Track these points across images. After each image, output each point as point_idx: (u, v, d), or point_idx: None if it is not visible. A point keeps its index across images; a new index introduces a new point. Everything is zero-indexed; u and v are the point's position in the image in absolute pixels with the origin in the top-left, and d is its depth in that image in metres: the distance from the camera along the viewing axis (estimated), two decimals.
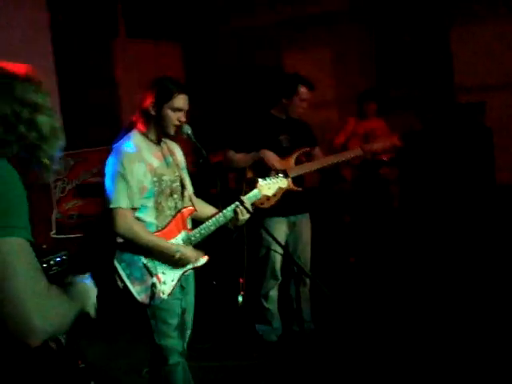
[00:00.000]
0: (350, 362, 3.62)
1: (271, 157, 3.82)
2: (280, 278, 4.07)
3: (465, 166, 6.09)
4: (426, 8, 6.52)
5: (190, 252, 2.81)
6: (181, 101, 2.76)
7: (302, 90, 3.92)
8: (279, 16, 7.46)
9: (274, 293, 4.10)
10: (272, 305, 4.11)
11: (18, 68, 1.51)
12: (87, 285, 1.66)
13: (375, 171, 5.85)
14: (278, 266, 4.02)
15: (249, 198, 3.02)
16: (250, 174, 3.86)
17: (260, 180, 3.13)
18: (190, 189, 3.01)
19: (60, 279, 1.62)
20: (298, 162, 3.93)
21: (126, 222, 2.70)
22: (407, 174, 6.38)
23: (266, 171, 3.66)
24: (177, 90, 2.75)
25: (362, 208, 5.89)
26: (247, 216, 2.89)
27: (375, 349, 3.69)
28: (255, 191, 3.10)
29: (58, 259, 3.78)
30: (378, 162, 5.79)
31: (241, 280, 3.65)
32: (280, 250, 3.86)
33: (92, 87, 5.95)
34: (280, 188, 3.21)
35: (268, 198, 3.37)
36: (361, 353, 3.68)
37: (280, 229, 3.95)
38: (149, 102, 2.76)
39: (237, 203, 2.88)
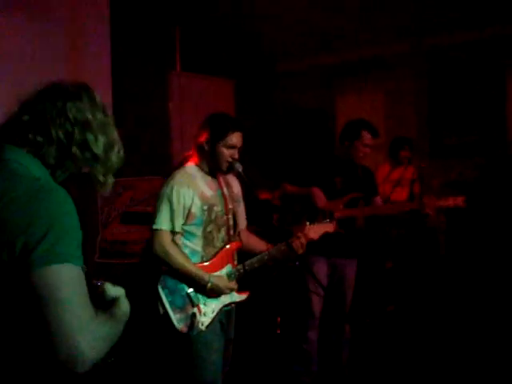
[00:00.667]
0: None
1: (319, 196, 3.79)
2: (319, 319, 3.97)
3: None
4: (482, 54, 6.47)
5: (223, 283, 2.80)
6: (234, 138, 2.80)
7: (366, 135, 3.91)
8: (333, 58, 7.54)
9: (312, 334, 3.98)
10: (310, 346, 3.98)
11: (75, 86, 1.53)
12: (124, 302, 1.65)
13: (422, 218, 5.74)
14: (315, 305, 3.92)
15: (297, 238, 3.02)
16: (297, 208, 3.87)
17: (307, 223, 3.13)
18: (242, 223, 3.04)
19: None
20: (348, 206, 3.88)
21: (162, 244, 2.73)
22: (455, 222, 6.24)
23: (313, 209, 3.67)
24: (231, 128, 2.80)
25: (406, 255, 5.77)
26: (301, 252, 2.89)
27: None
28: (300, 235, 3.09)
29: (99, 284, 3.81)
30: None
31: (278, 319, 3.60)
32: (320, 291, 3.79)
33: (145, 117, 6.09)
34: (326, 232, 3.19)
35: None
36: None
37: (321, 269, 3.88)
38: (204, 138, 2.81)
39: (287, 242, 2.88)
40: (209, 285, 2.74)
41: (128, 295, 1.69)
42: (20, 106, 1.49)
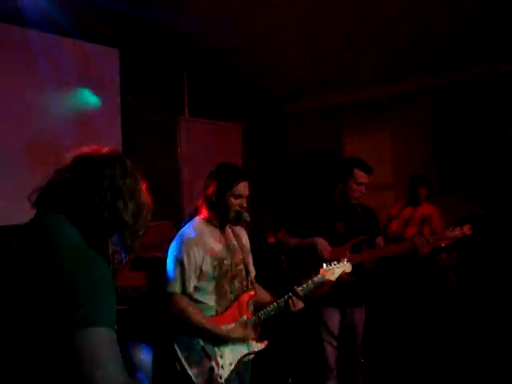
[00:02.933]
0: None
1: (323, 246, 3.65)
2: (334, 367, 3.89)
3: None
4: (487, 91, 6.53)
5: (241, 335, 2.81)
6: (242, 188, 2.84)
7: (358, 173, 3.76)
8: (339, 99, 7.64)
9: None
10: None
11: (109, 153, 1.60)
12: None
13: (433, 256, 5.72)
14: (330, 356, 3.85)
15: (312, 283, 3.03)
16: (306, 260, 3.76)
17: (324, 265, 3.13)
18: (252, 273, 3.04)
19: None
20: (354, 250, 3.76)
21: (179, 307, 2.75)
22: (466, 259, 6.19)
23: (319, 259, 3.56)
24: (238, 178, 2.83)
25: (417, 293, 5.73)
26: (301, 306, 2.87)
27: None
28: (319, 276, 3.10)
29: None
30: (435, 246, 5.67)
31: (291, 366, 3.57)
32: (333, 342, 3.76)
33: (154, 162, 6.16)
34: (344, 273, 3.19)
35: (324, 283, 3.31)
36: None
37: (333, 319, 3.82)
38: (211, 189, 2.85)
39: (290, 294, 2.88)
40: (230, 342, 2.79)
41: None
42: (57, 173, 1.56)
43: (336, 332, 3.80)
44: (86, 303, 1.32)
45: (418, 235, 3.82)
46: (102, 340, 1.31)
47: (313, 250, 3.67)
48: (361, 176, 3.77)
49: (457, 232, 3.74)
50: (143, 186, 1.65)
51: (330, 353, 3.83)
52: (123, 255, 5.27)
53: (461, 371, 4.76)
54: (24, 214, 1.63)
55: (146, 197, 1.64)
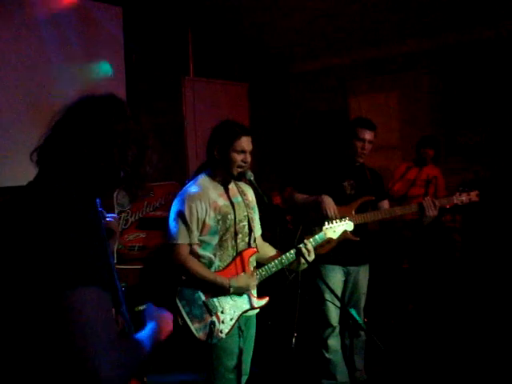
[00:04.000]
0: None
1: (328, 204, 3.63)
2: (337, 325, 3.92)
3: None
4: (497, 52, 6.41)
5: (243, 282, 2.84)
6: (243, 143, 2.84)
7: (362, 131, 3.79)
8: (346, 60, 7.53)
9: (333, 342, 3.92)
10: (333, 355, 3.91)
11: (103, 99, 1.54)
12: (166, 316, 1.68)
13: (438, 218, 5.72)
14: (332, 314, 3.88)
15: (314, 240, 3.04)
16: (312, 215, 3.75)
17: (326, 222, 3.15)
18: (258, 230, 3.06)
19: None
20: (360, 211, 3.75)
21: (181, 257, 2.79)
22: (471, 221, 6.20)
23: (324, 217, 3.56)
24: (239, 133, 2.83)
25: (422, 255, 5.76)
26: (312, 257, 2.89)
27: None
28: (320, 234, 3.11)
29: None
30: (440, 208, 5.67)
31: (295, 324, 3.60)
32: (335, 300, 3.73)
33: (159, 123, 6.14)
34: (345, 231, 3.20)
35: (328, 241, 3.34)
36: None
37: (336, 277, 3.85)
38: (214, 146, 2.87)
39: (301, 245, 2.88)
40: (231, 290, 2.80)
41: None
42: (53, 126, 1.50)
43: (339, 291, 3.83)
44: (69, 263, 1.27)
45: (425, 198, 3.79)
46: (89, 300, 1.26)
47: (318, 207, 3.66)
48: (363, 133, 3.79)
49: (463, 198, 3.75)
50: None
51: (333, 311, 3.87)
52: (129, 215, 5.31)
53: (463, 330, 4.82)
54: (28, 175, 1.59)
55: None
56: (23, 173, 1.69)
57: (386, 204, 3.98)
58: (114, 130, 1.48)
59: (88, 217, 1.38)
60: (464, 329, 4.85)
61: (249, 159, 2.87)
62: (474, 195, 3.76)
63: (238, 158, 2.83)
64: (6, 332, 1.34)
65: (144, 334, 1.55)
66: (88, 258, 1.30)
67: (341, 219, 3.24)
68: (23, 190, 1.45)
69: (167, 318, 1.69)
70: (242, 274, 2.87)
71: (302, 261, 2.87)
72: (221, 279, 2.80)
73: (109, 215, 1.92)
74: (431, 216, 3.69)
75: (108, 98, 1.55)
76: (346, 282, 3.94)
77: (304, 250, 2.86)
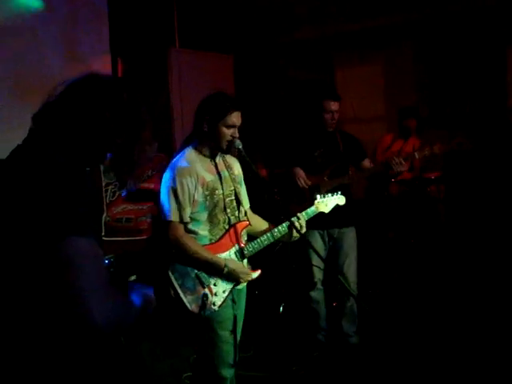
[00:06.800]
0: (391, 378, 3.61)
1: (298, 174, 3.95)
2: (321, 281, 4.13)
3: None
4: (482, 22, 6.42)
5: (238, 268, 2.86)
6: (234, 118, 2.81)
7: (328, 103, 3.99)
8: (331, 30, 7.48)
9: (315, 294, 4.15)
10: (315, 305, 4.17)
11: (103, 79, 1.57)
12: (151, 295, 1.73)
13: (422, 188, 5.80)
14: (317, 277, 4.10)
15: (306, 214, 3.06)
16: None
17: (318, 196, 3.17)
18: (246, 203, 3.06)
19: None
20: (333, 176, 3.98)
21: (176, 235, 2.79)
22: (455, 192, 6.28)
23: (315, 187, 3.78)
24: (231, 107, 2.80)
25: (407, 224, 5.84)
26: (304, 230, 2.93)
27: (417, 365, 3.66)
28: (312, 208, 3.13)
29: (107, 261, 3.89)
30: (425, 179, 5.76)
31: (283, 291, 3.66)
32: (320, 264, 4.00)
33: (146, 93, 6.09)
34: (338, 205, 3.24)
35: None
36: (402, 369, 3.65)
37: (318, 242, 4.02)
38: (203, 119, 2.83)
39: (294, 218, 2.90)
40: (225, 269, 2.80)
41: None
42: (56, 96, 1.53)
43: (322, 254, 4.00)
44: (63, 216, 1.34)
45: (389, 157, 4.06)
46: (81, 249, 1.34)
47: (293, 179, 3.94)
48: (330, 104, 4.00)
49: (426, 152, 4.03)
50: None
51: (316, 273, 4.07)
52: (117, 187, 5.31)
53: (448, 298, 4.92)
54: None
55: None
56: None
57: (366, 163, 4.18)
58: (111, 109, 1.52)
59: (78, 178, 1.44)
60: (449, 298, 4.95)
61: (237, 134, 2.84)
62: (436, 148, 4.04)
63: (228, 132, 2.80)
64: (7, 282, 1.41)
65: (134, 299, 1.61)
66: (79, 214, 1.37)
67: (332, 193, 3.25)
68: (13, 152, 1.50)
69: (151, 298, 1.72)
70: (241, 263, 2.89)
71: (294, 233, 2.90)
72: (217, 259, 2.81)
73: None
74: (401, 171, 3.95)
75: (111, 80, 1.61)
76: (333, 248, 4.07)
77: (297, 223, 2.88)
